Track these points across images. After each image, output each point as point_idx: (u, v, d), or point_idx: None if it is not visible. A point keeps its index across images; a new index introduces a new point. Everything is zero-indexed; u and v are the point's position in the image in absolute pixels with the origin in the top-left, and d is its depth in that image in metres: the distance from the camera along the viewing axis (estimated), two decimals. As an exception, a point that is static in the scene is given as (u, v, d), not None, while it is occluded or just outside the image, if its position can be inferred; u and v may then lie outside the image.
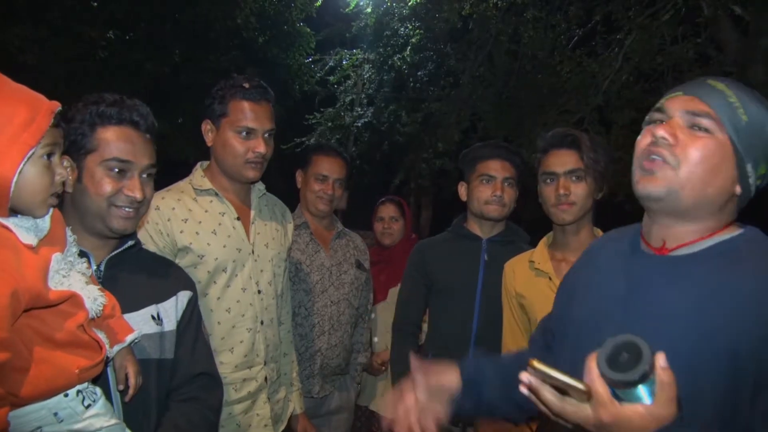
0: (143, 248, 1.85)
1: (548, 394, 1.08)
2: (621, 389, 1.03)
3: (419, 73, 11.43)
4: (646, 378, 1.00)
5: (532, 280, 2.40)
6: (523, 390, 1.11)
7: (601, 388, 1.03)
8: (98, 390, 1.45)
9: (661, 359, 1.00)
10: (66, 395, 1.36)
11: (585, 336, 1.32)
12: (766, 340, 1.10)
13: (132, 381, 1.54)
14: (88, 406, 1.39)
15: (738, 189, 1.27)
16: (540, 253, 2.44)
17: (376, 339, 3.65)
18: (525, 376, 1.09)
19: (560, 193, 2.29)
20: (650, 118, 1.35)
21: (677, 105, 1.29)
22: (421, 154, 10.89)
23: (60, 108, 1.39)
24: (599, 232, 2.39)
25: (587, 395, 1.04)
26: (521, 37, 8.20)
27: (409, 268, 2.97)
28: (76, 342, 1.37)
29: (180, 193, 2.30)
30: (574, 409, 1.07)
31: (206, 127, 2.33)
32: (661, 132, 1.26)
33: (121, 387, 1.55)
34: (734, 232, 1.29)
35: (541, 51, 8.01)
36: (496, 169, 2.70)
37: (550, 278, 2.34)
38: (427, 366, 1.51)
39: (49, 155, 1.36)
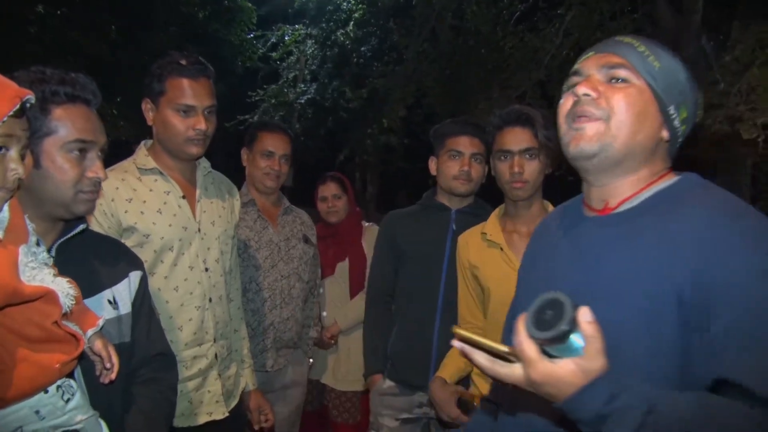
0: (88, 229, 1.78)
1: (480, 358, 1.11)
2: (550, 346, 1.04)
3: (363, 48, 11.40)
4: (568, 334, 1.00)
5: (484, 251, 2.47)
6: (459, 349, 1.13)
7: (528, 347, 1.04)
8: (74, 383, 1.42)
9: (584, 313, 1.01)
10: (46, 392, 1.33)
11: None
12: (705, 273, 1.12)
13: (114, 360, 1.50)
14: (68, 400, 1.37)
15: (665, 133, 1.32)
16: (492, 224, 2.51)
17: (324, 313, 3.68)
18: (457, 343, 1.12)
19: (515, 171, 2.36)
20: (569, 83, 1.39)
21: (592, 63, 1.34)
22: (366, 130, 10.89)
23: (30, 97, 1.30)
24: (549, 206, 2.47)
25: (511, 356, 1.07)
26: (464, 13, 8.23)
27: (380, 240, 3.04)
28: (52, 338, 1.33)
29: (123, 172, 2.26)
30: (507, 370, 1.09)
31: (146, 106, 2.29)
32: (582, 89, 1.30)
33: (108, 365, 1.50)
34: (671, 179, 1.33)
35: (484, 26, 8.06)
36: (465, 145, 2.75)
37: (501, 249, 2.41)
38: None
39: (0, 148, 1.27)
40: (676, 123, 1.32)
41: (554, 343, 1.02)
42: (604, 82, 1.31)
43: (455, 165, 2.75)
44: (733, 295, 1.08)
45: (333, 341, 3.67)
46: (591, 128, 1.29)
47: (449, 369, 2.47)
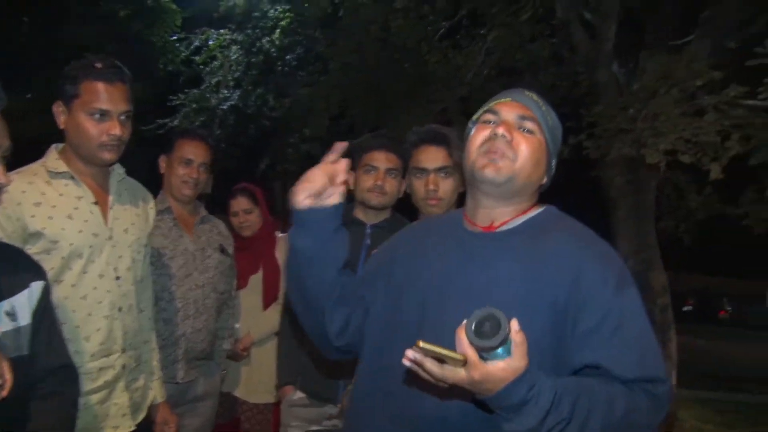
0: None
1: (431, 365, 1.31)
2: (486, 352, 1.26)
3: (288, 57, 11.34)
4: (505, 341, 1.25)
5: None
6: (406, 363, 1.32)
7: (470, 353, 1.27)
8: None
9: (514, 324, 1.26)
10: None
11: (431, 303, 1.58)
12: (574, 283, 1.45)
13: (7, 376, 1.44)
14: None
15: (545, 179, 1.66)
16: None
17: (237, 325, 3.63)
18: (410, 353, 1.30)
19: (429, 188, 2.44)
20: (483, 118, 1.64)
21: (508, 109, 1.61)
22: (288, 139, 10.83)
23: None
24: None
25: (463, 362, 1.27)
26: (391, 27, 8.31)
27: None
28: None
29: (32, 175, 2.19)
30: (452, 373, 1.30)
31: (58, 109, 2.22)
32: (501, 130, 1.56)
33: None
34: (539, 209, 1.66)
35: (409, 40, 8.16)
36: (380, 159, 2.77)
37: None
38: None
39: None
40: (552, 171, 1.67)
41: (491, 350, 1.25)
42: (516, 129, 1.58)
43: (370, 179, 2.78)
44: (594, 302, 1.44)
45: (246, 353, 3.63)
46: (503, 163, 1.55)
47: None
